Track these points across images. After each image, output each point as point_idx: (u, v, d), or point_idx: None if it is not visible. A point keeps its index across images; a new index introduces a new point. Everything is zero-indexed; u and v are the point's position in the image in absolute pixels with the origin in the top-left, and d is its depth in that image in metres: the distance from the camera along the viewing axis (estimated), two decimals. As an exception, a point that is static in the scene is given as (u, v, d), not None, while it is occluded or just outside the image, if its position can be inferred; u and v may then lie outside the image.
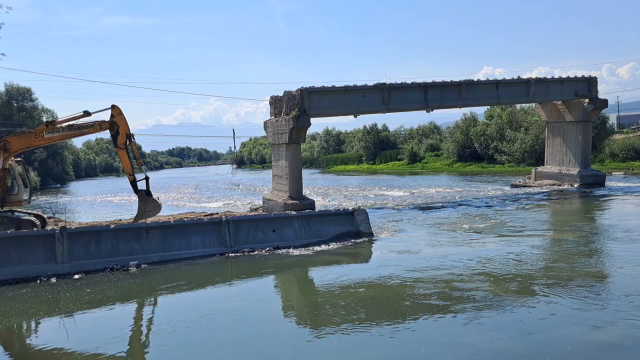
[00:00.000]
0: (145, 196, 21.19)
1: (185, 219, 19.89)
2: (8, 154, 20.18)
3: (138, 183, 21.08)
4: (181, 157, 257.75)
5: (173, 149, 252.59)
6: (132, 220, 20.95)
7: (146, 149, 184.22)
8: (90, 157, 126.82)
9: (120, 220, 24.42)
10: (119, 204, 41.28)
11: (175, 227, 18.08)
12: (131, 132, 21.13)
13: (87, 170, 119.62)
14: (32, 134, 20.71)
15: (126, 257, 16.92)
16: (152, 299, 14.09)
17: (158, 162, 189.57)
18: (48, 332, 11.76)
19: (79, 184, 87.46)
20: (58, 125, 20.75)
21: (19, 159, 21.66)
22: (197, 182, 68.83)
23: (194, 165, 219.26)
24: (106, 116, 20.97)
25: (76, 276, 15.79)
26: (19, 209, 21.63)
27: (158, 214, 21.85)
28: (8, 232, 17.03)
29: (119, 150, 21.21)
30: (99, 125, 21.09)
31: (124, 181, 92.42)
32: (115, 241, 17.10)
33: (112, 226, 17.68)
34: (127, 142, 20.94)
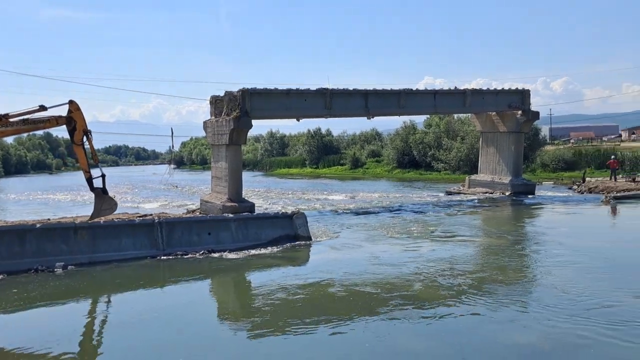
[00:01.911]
0: (101, 194, 20.82)
1: (116, 220, 19.29)
2: None
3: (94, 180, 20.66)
4: (118, 155, 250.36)
5: (109, 146, 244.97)
6: (88, 219, 20.39)
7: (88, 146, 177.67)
8: (22, 153, 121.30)
9: (48, 219, 23.43)
10: (49, 202, 39.66)
11: (105, 227, 17.52)
12: (89, 128, 20.71)
13: (17, 167, 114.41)
14: None
15: (52, 257, 16.27)
16: (77, 302, 13.55)
17: (90, 159, 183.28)
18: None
19: (8, 180, 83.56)
20: (12, 119, 19.92)
21: None
22: (133, 182, 67.03)
23: (131, 165, 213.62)
24: (63, 111, 20.43)
25: (-3, 277, 15.05)
26: None
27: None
28: None
29: (75, 146, 20.72)
30: (55, 121, 20.50)
31: (57, 179, 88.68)
32: (41, 241, 16.41)
33: (37, 225, 16.96)
34: (84, 139, 20.57)
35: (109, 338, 10.87)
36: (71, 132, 20.48)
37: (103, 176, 20.99)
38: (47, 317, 12.45)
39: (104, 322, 11.90)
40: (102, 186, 20.93)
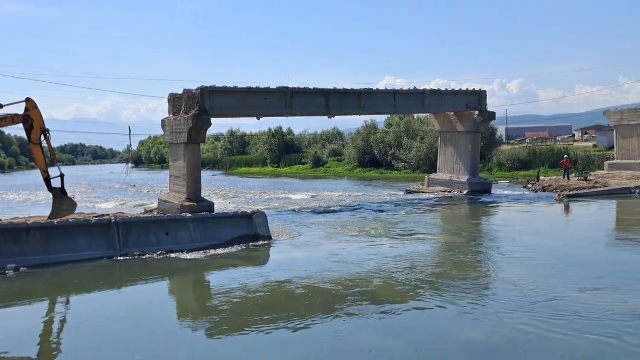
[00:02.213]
0: (60, 194, 20.48)
1: (71, 220, 18.84)
2: None
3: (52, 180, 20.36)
4: (74, 154, 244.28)
5: (65, 145, 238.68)
6: (47, 219, 19.92)
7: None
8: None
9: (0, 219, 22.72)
10: (1, 203, 38.40)
11: (59, 228, 17.07)
12: (46, 127, 20.27)
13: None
14: None
15: (4, 259, 15.72)
16: (30, 304, 13.18)
17: (48, 159, 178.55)
18: None
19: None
20: None
21: None
22: (90, 182, 65.55)
23: (88, 164, 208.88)
24: (20, 109, 19.92)
25: (-57, 281, 14.50)
26: None
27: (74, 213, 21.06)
28: None
29: (32, 145, 20.32)
30: (11, 119, 20.01)
31: (9, 178, 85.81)
32: (-9, 243, 15.86)
33: (-13, 226, 16.41)
34: (42, 138, 20.19)
35: (66, 339, 10.62)
36: (28, 130, 20.06)
37: (62, 176, 20.63)
38: (1, 320, 12.09)
39: (60, 323, 11.62)
40: (60, 186, 20.55)
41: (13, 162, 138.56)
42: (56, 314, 12.44)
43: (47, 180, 20.63)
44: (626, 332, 9.76)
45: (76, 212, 22.09)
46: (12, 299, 13.29)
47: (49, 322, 11.70)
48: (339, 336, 10.08)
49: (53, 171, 21.08)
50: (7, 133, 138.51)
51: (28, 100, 20.16)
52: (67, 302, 13.46)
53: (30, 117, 20.00)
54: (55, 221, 18.17)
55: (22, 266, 15.71)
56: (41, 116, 20.27)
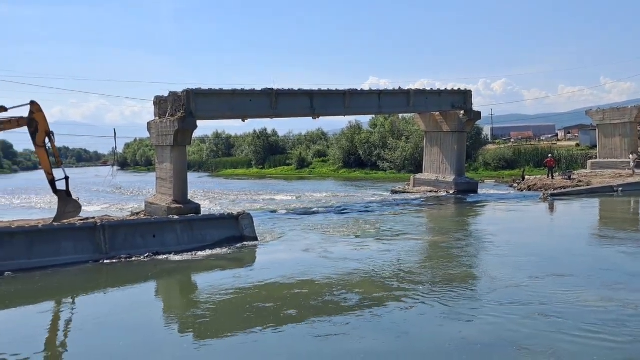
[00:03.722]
0: (65, 197, 20.40)
1: (56, 224, 18.65)
2: None
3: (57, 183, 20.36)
4: (53, 157, 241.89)
5: (48, 148, 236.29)
6: (52, 221, 19.79)
7: (18, 148, 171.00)
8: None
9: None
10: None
11: (44, 232, 16.88)
12: (51, 129, 20.24)
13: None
14: None
15: (-13, 264, 15.53)
16: (14, 309, 13.02)
17: (31, 161, 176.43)
18: None
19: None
20: None
21: None
22: (74, 185, 64.83)
23: (73, 167, 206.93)
24: (24, 112, 19.81)
25: None
26: None
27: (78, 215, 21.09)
28: None
29: (37, 148, 20.29)
30: (16, 122, 19.91)
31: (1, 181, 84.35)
32: (-26, 247, 15.65)
33: (-30, 231, 16.19)
34: (46, 140, 20.13)
35: (50, 345, 10.49)
36: (33, 133, 20.06)
37: (66, 178, 20.69)
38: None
39: (44, 328, 11.47)
40: (65, 188, 20.57)
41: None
42: (40, 319, 12.28)
43: (52, 182, 20.66)
44: (609, 328, 9.90)
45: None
46: (-3, 303, 13.12)
47: (34, 327, 11.55)
48: (326, 338, 10.06)
49: (58, 173, 21.05)
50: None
51: (32, 103, 20.11)
52: (52, 306, 13.33)
53: (35, 119, 20.00)
54: (40, 225, 17.98)
55: (7, 270, 15.53)
56: (45, 119, 20.28)
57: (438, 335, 10.16)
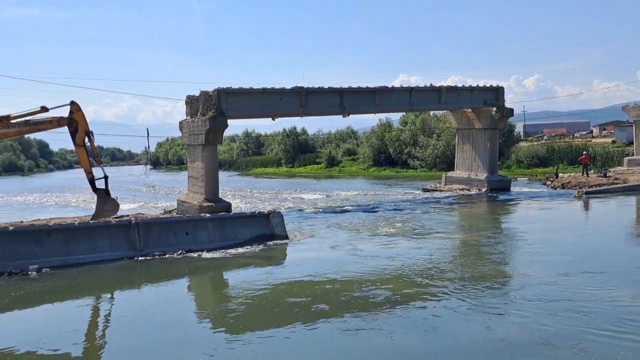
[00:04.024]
0: (104, 195, 20.97)
1: (91, 222, 19.05)
2: None
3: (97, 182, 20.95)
4: (92, 156, 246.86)
5: (88, 147, 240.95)
6: (90, 219, 20.34)
7: (54, 147, 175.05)
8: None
9: (21, 222, 23.05)
10: (23, 205, 38.97)
11: (80, 229, 17.28)
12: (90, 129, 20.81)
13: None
14: None
15: (26, 260, 15.97)
16: (52, 304, 13.37)
17: (67, 161, 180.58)
18: None
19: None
20: (13, 121, 19.79)
21: None
22: (109, 183, 66.09)
23: (107, 165, 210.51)
24: (65, 112, 20.44)
25: (-31, 281, 14.75)
26: None
27: (116, 213, 21.74)
28: None
29: (77, 147, 20.87)
30: (57, 122, 20.54)
31: (29, 181, 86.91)
32: (14, 244, 16.12)
33: (10, 228, 16.66)
34: (86, 140, 20.74)
35: (89, 339, 10.74)
36: (73, 133, 20.55)
37: (106, 178, 21.16)
38: (27, 320, 12.26)
39: (83, 323, 11.73)
40: (104, 187, 21.05)
41: (32, 165, 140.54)
42: (79, 313, 12.57)
43: (92, 181, 21.17)
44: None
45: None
46: (35, 299, 13.49)
47: (73, 321, 11.83)
48: (357, 336, 10.06)
49: (97, 172, 21.54)
50: (26, 136, 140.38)
51: (72, 103, 20.62)
52: (90, 302, 13.62)
53: (75, 119, 20.49)
54: (76, 222, 18.39)
55: (45, 267, 15.93)
56: (85, 119, 20.76)
57: (466, 330, 10.13)
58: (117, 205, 21.41)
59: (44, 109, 20.28)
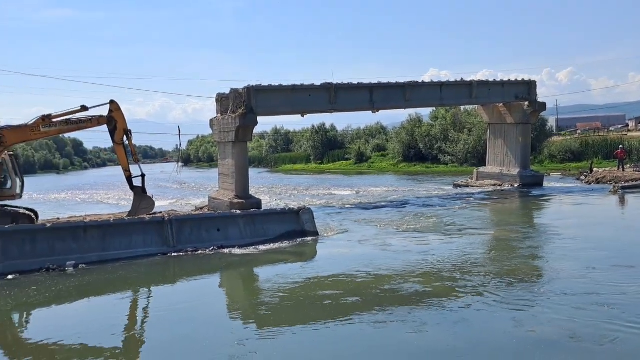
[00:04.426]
0: (140, 193, 21.45)
1: (126, 218, 19.43)
2: (3, 147, 19.69)
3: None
4: (130, 154, 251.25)
5: (126, 145, 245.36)
6: (126, 216, 20.87)
7: (88, 146, 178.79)
8: (29, 153, 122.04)
9: (58, 219, 23.65)
10: (58, 202, 39.94)
11: (115, 226, 17.63)
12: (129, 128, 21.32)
13: (25, 167, 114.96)
14: (28, 127, 20.32)
15: (63, 256, 16.36)
16: (90, 299, 13.68)
17: (100, 159, 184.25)
18: None
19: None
20: (54, 120, 20.41)
21: (11, 152, 21.08)
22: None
23: (142, 163, 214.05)
24: (104, 111, 21.00)
25: (10, 277, 15.16)
26: (10, 204, 20.97)
27: (152, 211, 22.02)
28: (6, 227, 16.57)
29: (116, 145, 21.40)
30: (96, 121, 21.07)
31: (64, 179, 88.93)
32: (52, 240, 16.51)
33: (48, 225, 17.10)
34: (125, 138, 21.26)
35: (127, 333, 10.96)
36: (112, 131, 21.02)
37: (143, 176, 21.61)
38: (68, 313, 12.62)
39: (119, 318, 11.96)
40: (141, 185, 21.47)
41: (67, 163, 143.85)
42: (116, 309, 12.84)
43: (129, 179, 21.60)
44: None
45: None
46: (74, 294, 13.81)
47: (110, 316, 12.08)
48: (388, 334, 10.04)
49: (135, 170, 21.97)
50: (61, 135, 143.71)
51: (111, 102, 21.08)
52: (126, 298, 13.89)
53: (114, 118, 20.94)
54: (111, 219, 18.78)
55: (81, 263, 16.31)
56: (124, 117, 21.19)
57: (494, 324, 10.14)
58: (153, 203, 21.79)
59: (84, 108, 20.73)
